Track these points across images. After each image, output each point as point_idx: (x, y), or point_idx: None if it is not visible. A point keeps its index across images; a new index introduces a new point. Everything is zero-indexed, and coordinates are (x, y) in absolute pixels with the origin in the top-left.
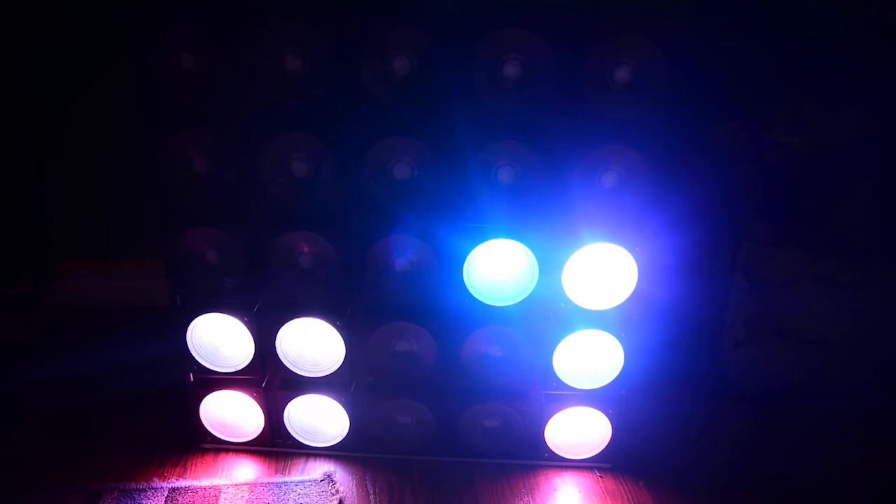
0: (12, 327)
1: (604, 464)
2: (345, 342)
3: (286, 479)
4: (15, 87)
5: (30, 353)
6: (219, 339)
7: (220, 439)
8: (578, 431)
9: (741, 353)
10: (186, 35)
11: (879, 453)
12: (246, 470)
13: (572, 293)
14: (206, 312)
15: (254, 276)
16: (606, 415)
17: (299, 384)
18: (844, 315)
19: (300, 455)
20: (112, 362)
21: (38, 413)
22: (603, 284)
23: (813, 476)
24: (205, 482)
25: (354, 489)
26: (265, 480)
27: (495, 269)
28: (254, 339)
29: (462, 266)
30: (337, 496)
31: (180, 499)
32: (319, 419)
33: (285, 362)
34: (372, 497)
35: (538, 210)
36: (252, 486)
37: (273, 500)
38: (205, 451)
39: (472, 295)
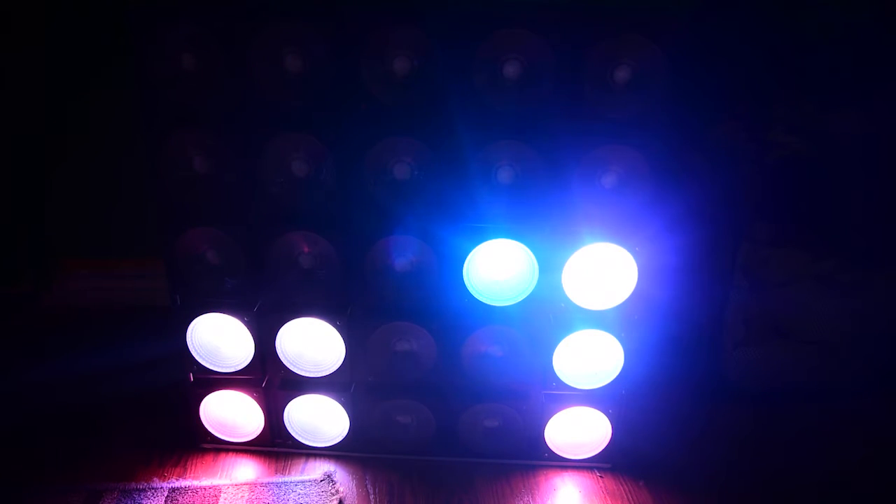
0: (12, 327)
1: (604, 464)
2: (345, 342)
3: (286, 479)
4: (15, 87)
5: (30, 353)
6: (219, 339)
7: (220, 439)
8: (578, 431)
9: (741, 353)
10: (186, 35)
11: (879, 453)
12: (246, 470)
13: (572, 293)
14: (206, 312)
15: (254, 276)
16: (606, 415)
17: (299, 384)
18: (844, 315)
19: (300, 455)
20: (112, 362)
21: (38, 413)
22: (603, 284)
23: (812, 476)
24: (205, 482)
25: (354, 489)
26: (265, 480)
27: (495, 269)
28: (254, 339)
29: (462, 266)
30: (337, 496)
31: (180, 499)
32: (319, 419)
33: (285, 362)
34: (372, 497)
35: (538, 210)
36: (252, 486)
37: (273, 500)
38: (205, 451)
39: (472, 295)
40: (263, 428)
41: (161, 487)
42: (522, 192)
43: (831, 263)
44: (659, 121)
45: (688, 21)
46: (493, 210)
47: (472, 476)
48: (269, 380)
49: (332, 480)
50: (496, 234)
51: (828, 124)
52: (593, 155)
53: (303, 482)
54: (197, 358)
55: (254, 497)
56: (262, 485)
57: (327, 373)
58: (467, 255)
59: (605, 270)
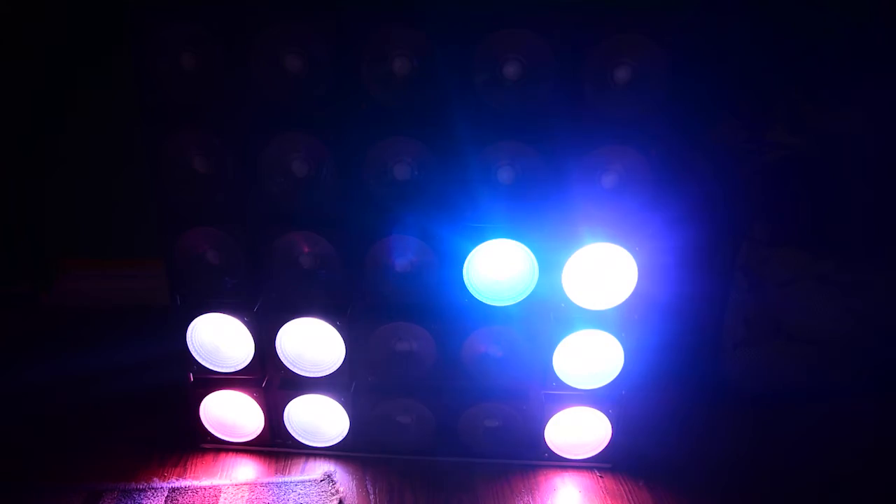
0: (12, 327)
1: (604, 464)
2: (345, 342)
3: (286, 479)
4: (15, 87)
5: (30, 353)
6: (219, 339)
7: (220, 439)
8: (578, 431)
9: (741, 353)
10: (186, 34)
11: (879, 453)
12: (246, 470)
13: (572, 293)
14: (206, 312)
15: (254, 276)
16: (606, 415)
17: (299, 384)
18: (844, 315)
19: (300, 455)
20: (112, 362)
21: (38, 413)
22: (603, 284)
23: (812, 476)
24: (205, 482)
25: (354, 489)
26: (265, 480)
27: (495, 269)
28: (254, 339)
29: (462, 266)
30: (337, 496)
31: (180, 499)
32: (319, 419)
33: (285, 362)
34: (372, 497)
35: (538, 210)
36: (252, 486)
37: (273, 500)
38: (205, 451)
39: (472, 295)
40: (263, 428)
41: (161, 487)
42: (522, 192)
43: (831, 263)
44: (659, 121)
45: (688, 21)
46: (493, 210)
47: (472, 476)
48: (269, 380)
49: (332, 480)
50: (496, 234)
51: (828, 124)
52: (593, 155)
53: (303, 482)
54: (197, 358)
55: (254, 497)
56: (262, 485)
57: (327, 373)
58: (467, 255)
59: (605, 270)
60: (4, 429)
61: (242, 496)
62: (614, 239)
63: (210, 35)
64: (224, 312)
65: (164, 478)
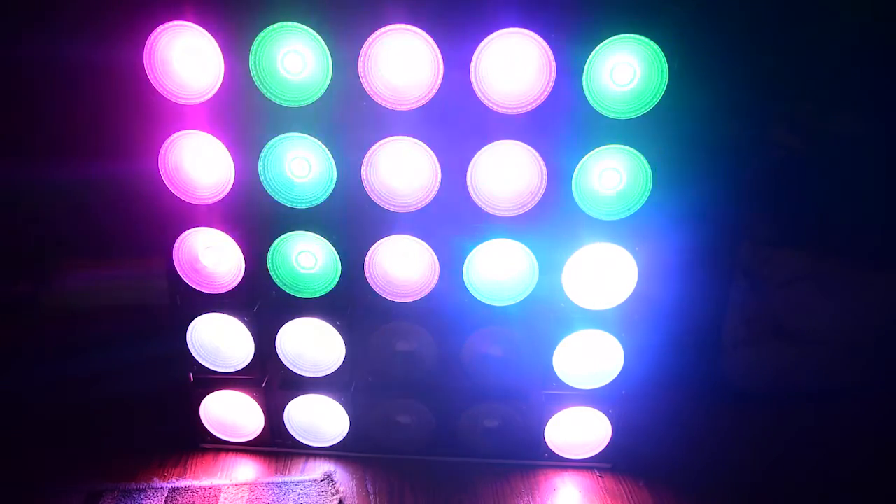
0: (12, 327)
1: (604, 464)
2: (345, 342)
3: (286, 479)
4: (14, 87)
5: (30, 353)
6: (219, 339)
7: (220, 439)
8: (578, 431)
9: (741, 353)
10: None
11: (879, 453)
12: (246, 470)
13: (572, 293)
14: (206, 312)
15: (254, 276)
16: (606, 415)
17: (299, 384)
18: (844, 315)
19: (300, 455)
20: (112, 362)
21: (38, 413)
22: (603, 284)
23: (813, 476)
24: (205, 482)
25: (354, 489)
26: (265, 480)
27: (495, 269)
28: (254, 339)
29: (462, 266)
30: (337, 496)
31: (180, 499)
32: (319, 419)
33: (285, 362)
34: (372, 497)
35: (538, 210)
36: (252, 486)
37: (273, 500)
38: (205, 451)
39: (472, 295)
40: (263, 428)
41: (161, 487)
42: (522, 191)
43: (831, 263)
44: (659, 121)
45: (688, 21)
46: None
47: (472, 476)
48: (269, 380)
49: (332, 480)
50: (496, 234)
51: (828, 124)
52: (593, 155)
53: (303, 482)
54: (197, 358)
55: (254, 497)
56: (262, 485)
57: (327, 373)
58: (467, 255)
59: (605, 270)
60: (4, 429)
61: (242, 496)
62: (614, 239)
63: (211, 38)
64: (224, 312)
65: (164, 478)
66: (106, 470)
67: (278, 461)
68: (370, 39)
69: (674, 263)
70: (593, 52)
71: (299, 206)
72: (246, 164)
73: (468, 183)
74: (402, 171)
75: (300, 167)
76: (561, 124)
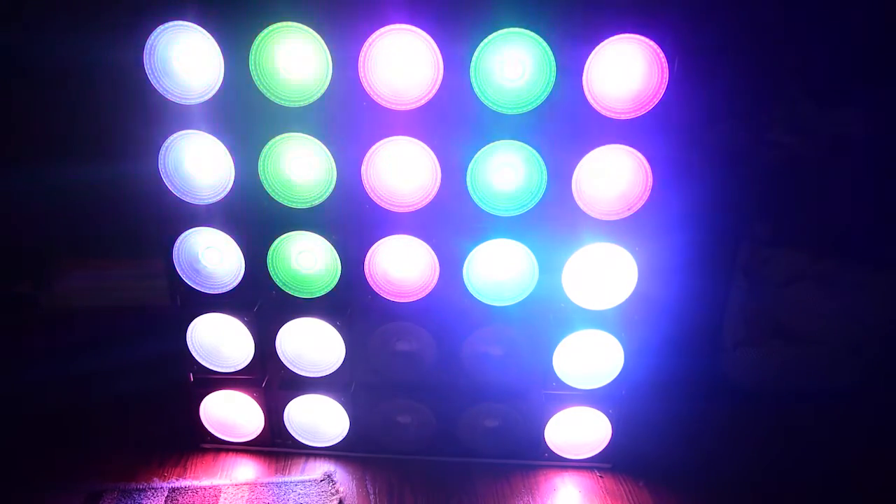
0: (12, 327)
1: (604, 464)
2: (345, 342)
3: (286, 479)
4: (14, 87)
5: (30, 353)
6: (219, 339)
7: (220, 439)
8: (578, 431)
9: (741, 353)
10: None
11: (879, 453)
12: (246, 470)
13: (572, 293)
14: (206, 312)
15: (254, 276)
16: (606, 415)
17: (299, 384)
18: (844, 315)
19: (300, 455)
20: (112, 362)
21: (37, 413)
22: (603, 284)
23: (812, 476)
24: (205, 482)
25: (354, 489)
26: (265, 480)
27: (495, 269)
28: (254, 339)
29: (462, 266)
30: (337, 496)
31: (180, 499)
32: (319, 419)
33: (285, 362)
34: (372, 497)
35: (538, 210)
36: (252, 486)
37: (273, 500)
38: (205, 451)
39: (472, 295)
40: (263, 428)
41: (161, 487)
42: (522, 191)
43: (831, 263)
44: (659, 121)
45: (688, 21)
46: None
47: (472, 476)
48: (269, 380)
49: (332, 480)
50: (496, 234)
51: (827, 124)
52: (593, 156)
53: (303, 482)
54: (197, 358)
55: (254, 497)
56: (262, 485)
57: (327, 373)
58: (467, 255)
59: (605, 270)
60: (4, 429)
61: (242, 496)
62: (614, 239)
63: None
64: (224, 312)
65: (164, 478)
66: (106, 470)
67: (278, 461)
68: (370, 39)
69: (674, 263)
70: (593, 52)
71: (299, 206)
72: (246, 164)
73: (468, 183)
74: (402, 171)
75: (300, 168)
76: (561, 124)
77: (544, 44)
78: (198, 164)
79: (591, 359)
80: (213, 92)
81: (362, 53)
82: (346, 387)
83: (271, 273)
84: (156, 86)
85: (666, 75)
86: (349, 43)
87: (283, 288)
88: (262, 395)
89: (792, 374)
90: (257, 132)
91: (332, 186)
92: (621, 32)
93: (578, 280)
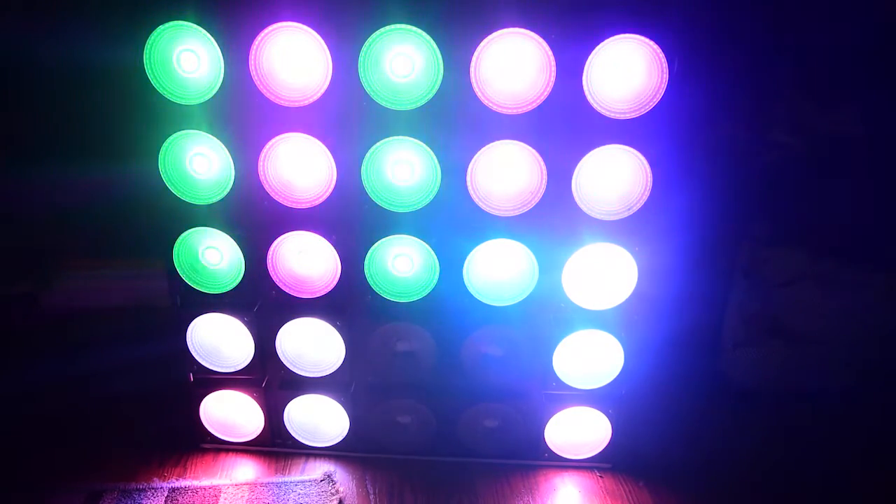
0: (12, 327)
1: (604, 464)
2: (345, 342)
3: (286, 479)
4: (14, 87)
5: (30, 353)
6: (219, 339)
7: (220, 439)
8: (578, 431)
9: (741, 353)
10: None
11: (878, 453)
12: (246, 470)
13: (572, 293)
14: (206, 312)
15: (254, 276)
16: (606, 415)
17: (299, 384)
18: (844, 315)
19: (300, 455)
20: (112, 362)
21: (38, 413)
22: (603, 284)
23: (812, 476)
24: (205, 482)
25: (354, 489)
26: (265, 480)
27: (495, 269)
28: (254, 339)
29: (462, 266)
30: (337, 496)
31: (180, 499)
32: (319, 419)
33: (285, 362)
34: (372, 497)
35: (538, 210)
36: (252, 486)
37: (273, 500)
38: (205, 451)
39: (472, 295)
40: (263, 428)
41: (161, 487)
42: (522, 191)
43: (831, 263)
44: (659, 121)
45: (688, 21)
46: (493, 210)
47: (472, 476)
48: (269, 380)
49: (332, 480)
50: (496, 234)
51: (828, 124)
52: (593, 156)
53: (303, 482)
54: (197, 358)
55: (254, 497)
56: (262, 485)
57: (327, 373)
58: (467, 255)
59: (605, 270)
60: (4, 429)
61: (242, 496)
62: (614, 239)
63: (213, 41)
64: (224, 312)
65: (164, 478)
66: (106, 470)
67: (278, 461)
68: (370, 40)
69: (674, 263)
70: (593, 52)
71: (299, 206)
72: (246, 164)
73: (468, 183)
74: (402, 171)
75: (300, 167)
76: (561, 124)
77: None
78: (199, 164)
79: (591, 359)
80: (213, 92)
81: (362, 54)
82: (346, 387)
83: (272, 273)
84: (156, 86)
85: (666, 75)
86: (349, 43)
87: (283, 288)
88: (262, 395)
89: (792, 374)
90: (257, 132)
91: (332, 186)
92: (621, 32)
93: (578, 280)
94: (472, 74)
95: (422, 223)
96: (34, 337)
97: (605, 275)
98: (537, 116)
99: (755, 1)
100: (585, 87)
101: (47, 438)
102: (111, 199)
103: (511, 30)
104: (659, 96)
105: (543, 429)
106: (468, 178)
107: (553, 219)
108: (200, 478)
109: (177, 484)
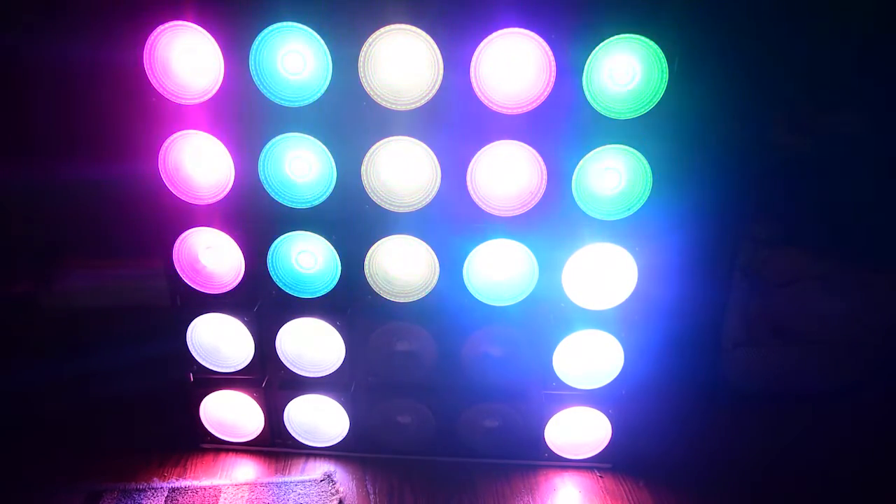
0: (12, 327)
1: (604, 464)
2: (345, 342)
3: (286, 479)
4: (14, 87)
5: (29, 353)
6: (219, 339)
7: (220, 439)
8: (578, 431)
9: (741, 353)
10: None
11: (879, 453)
12: (246, 470)
13: (572, 293)
14: (206, 312)
15: (254, 276)
16: (606, 415)
17: (299, 384)
18: (844, 315)
19: (300, 455)
20: (112, 362)
21: (38, 413)
22: (603, 284)
23: (812, 476)
24: (205, 482)
25: (354, 489)
26: (265, 480)
27: (495, 269)
28: (254, 339)
29: (462, 266)
30: (337, 496)
31: (180, 499)
32: (319, 419)
33: (285, 362)
34: (372, 497)
35: (538, 210)
36: (252, 486)
37: (273, 500)
38: (205, 451)
39: (472, 295)
40: (263, 428)
41: (161, 487)
42: (522, 192)
43: (831, 263)
44: (659, 121)
45: (688, 21)
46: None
47: (472, 476)
48: (269, 380)
49: (332, 480)
50: (496, 234)
51: (828, 124)
52: (593, 155)
53: (303, 482)
54: (197, 358)
55: (254, 497)
56: (262, 485)
57: (327, 373)
58: (467, 255)
59: (605, 270)
60: (4, 429)
61: (242, 496)
62: (614, 239)
63: (212, 40)
64: (224, 312)
65: (164, 478)
66: (106, 470)
67: (278, 461)
68: (370, 39)
69: (674, 263)
70: (593, 52)
71: (299, 206)
72: (246, 164)
73: (468, 183)
74: (402, 171)
75: (300, 167)
76: (561, 124)
77: (543, 43)
78: (198, 164)
79: (590, 359)
80: (213, 92)
81: (362, 53)
82: (346, 387)
83: (271, 273)
84: (156, 86)
85: (665, 75)
86: (349, 43)
87: (283, 288)
88: (262, 395)
89: (792, 374)
90: (257, 132)
91: (332, 186)
92: (621, 32)
93: (578, 280)
94: (472, 74)
95: (422, 223)
96: (34, 337)
97: (605, 275)
98: (537, 116)
99: (755, 1)
100: (585, 87)
101: (47, 438)
102: (111, 199)
103: (511, 30)
104: (659, 96)
105: (543, 429)
106: (468, 179)
107: (553, 219)
108: (200, 478)
109: (177, 484)
